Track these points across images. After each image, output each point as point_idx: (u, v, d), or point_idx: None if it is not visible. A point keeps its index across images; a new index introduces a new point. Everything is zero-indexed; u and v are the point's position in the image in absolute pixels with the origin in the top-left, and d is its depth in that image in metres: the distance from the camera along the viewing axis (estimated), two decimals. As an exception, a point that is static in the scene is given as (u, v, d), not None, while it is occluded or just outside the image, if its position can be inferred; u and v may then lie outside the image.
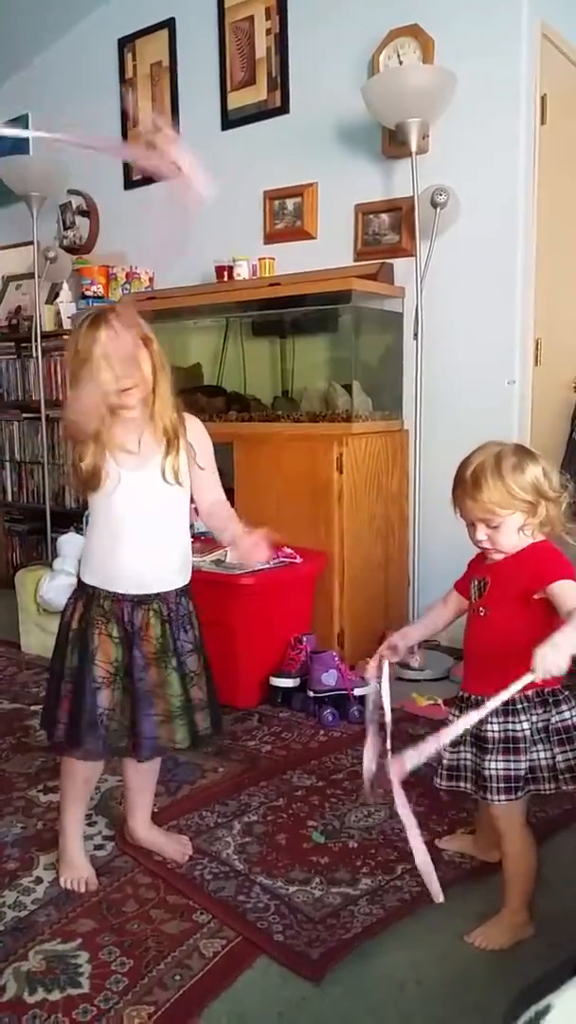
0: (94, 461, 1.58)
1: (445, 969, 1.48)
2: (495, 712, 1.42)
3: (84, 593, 1.68)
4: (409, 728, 2.49)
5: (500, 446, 1.51)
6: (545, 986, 0.85)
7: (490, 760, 1.49)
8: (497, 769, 1.48)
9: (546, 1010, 0.82)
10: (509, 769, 1.48)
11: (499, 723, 1.48)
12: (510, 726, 1.48)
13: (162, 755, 1.79)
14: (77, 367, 1.54)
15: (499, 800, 1.49)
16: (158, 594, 1.66)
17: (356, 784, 2.14)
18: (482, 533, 1.50)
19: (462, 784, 1.56)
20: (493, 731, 1.49)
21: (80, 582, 1.71)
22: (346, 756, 2.33)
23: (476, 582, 1.59)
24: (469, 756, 1.53)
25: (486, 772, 1.49)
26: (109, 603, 1.65)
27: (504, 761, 1.48)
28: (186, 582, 1.71)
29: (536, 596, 1.45)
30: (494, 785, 1.48)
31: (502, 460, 1.47)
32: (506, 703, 1.38)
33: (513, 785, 1.48)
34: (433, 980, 1.45)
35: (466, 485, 1.49)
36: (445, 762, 1.56)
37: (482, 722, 1.44)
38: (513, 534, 1.49)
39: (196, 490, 1.71)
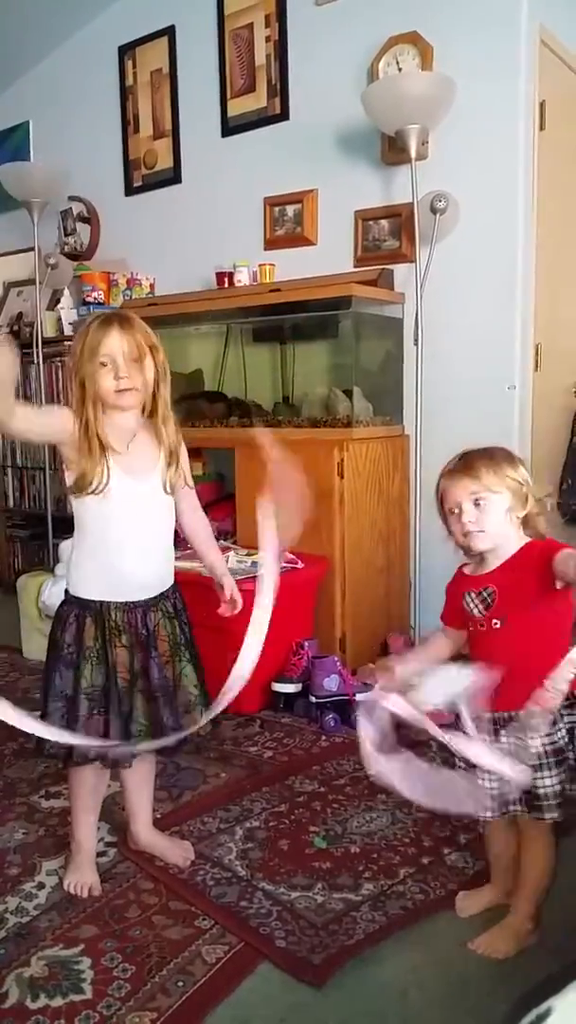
0: (86, 459, 1.57)
1: (446, 975, 1.48)
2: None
3: (90, 609, 1.65)
4: (411, 733, 2.48)
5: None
6: (546, 990, 0.85)
7: (545, 777, 1.42)
8: (552, 785, 1.42)
9: (547, 1013, 0.82)
10: (562, 782, 1.43)
11: (544, 736, 1.41)
12: (554, 737, 1.42)
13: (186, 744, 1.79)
14: (83, 362, 1.55)
15: (555, 817, 1.43)
16: (162, 593, 1.70)
17: (358, 789, 2.14)
18: (471, 513, 1.47)
19: (512, 807, 1.46)
20: (539, 746, 1.41)
21: (77, 597, 1.67)
22: (348, 761, 2.33)
23: (477, 594, 1.52)
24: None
25: (541, 791, 1.42)
26: (120, 614, 1.65)
27: (557, 775, 1.43)
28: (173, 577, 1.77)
29: (557, 584, 1.39)
30: (550, 803, 1.42)
31: (493, 450, 1.52)
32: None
33: (563, 799, 1.43)
34: (434, 986, 1.45)
35: (455, 469, 1.51)
36: (492, 792, 1.44)
37: (521, 738, 1.39)
38: (501, 515, 1.48)
39: (179, 505, 1.74)
